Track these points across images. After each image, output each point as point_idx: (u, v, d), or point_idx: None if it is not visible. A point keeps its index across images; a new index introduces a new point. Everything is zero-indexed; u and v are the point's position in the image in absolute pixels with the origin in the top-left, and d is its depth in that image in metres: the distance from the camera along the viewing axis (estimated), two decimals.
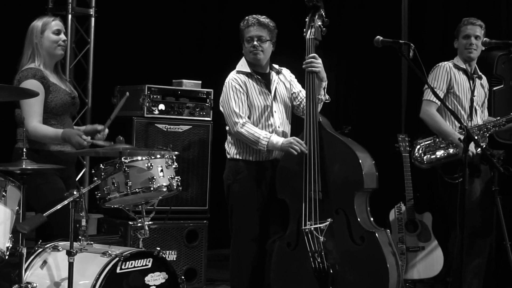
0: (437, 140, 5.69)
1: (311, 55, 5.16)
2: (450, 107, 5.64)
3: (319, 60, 5.16)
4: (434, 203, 6.54)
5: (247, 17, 5.30)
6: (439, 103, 5.65)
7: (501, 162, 5.33)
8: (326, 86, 5.22)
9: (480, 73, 5.90)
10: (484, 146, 5.35)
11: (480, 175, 5.63)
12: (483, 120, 5.84)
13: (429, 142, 5.73)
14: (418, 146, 5.75)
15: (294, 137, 5.16)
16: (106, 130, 4.91)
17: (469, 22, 5.79)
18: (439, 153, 5.67)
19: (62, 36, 4.97)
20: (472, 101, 5.70)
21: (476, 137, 5.45)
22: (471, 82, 5.77)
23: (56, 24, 4.97)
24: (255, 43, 5.21)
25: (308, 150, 5.05)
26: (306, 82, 5.16)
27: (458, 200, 4.93)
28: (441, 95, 5.63)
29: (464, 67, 5.78)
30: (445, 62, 5.79)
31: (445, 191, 5.65)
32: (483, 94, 5.90)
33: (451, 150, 5.62)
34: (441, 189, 5.72)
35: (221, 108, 5.33)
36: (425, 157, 5.72)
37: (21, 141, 4.76)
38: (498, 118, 5.75)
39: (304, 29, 5.23)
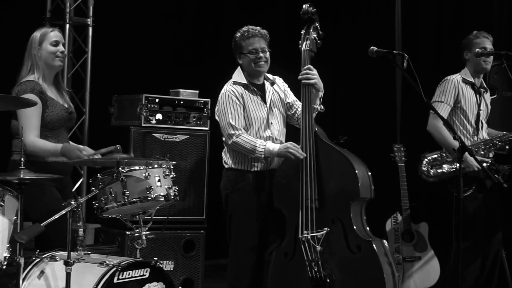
0: (444, 154, 5.75)
1: (306, 66, 5.19)
2: (456, 121, 5.72)
3: (315, 71, 5.18)
4: (430, 213, 6.56)
5: (245, 29, 5.28)
6: (445, 117, 5.67)
7: (506, 177, 5.37)
8: (322, 96, 5.24)
9: (486, 87, 5.94)
10: (490, 161, 5.38)
11: (484, 190, 5.67)
12: (489, 134, 5.88)
13: (436, 156, 5.78)
14: (425, 160, 5.78)
15: (290, 142, 5.17)
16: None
17: (483, 35, 5.81)
18: (446, 167, 5.72)
19: (60, 47, 4.95)
20: (478, 115, 5.74)
21: (482, 152, 5.51)
22: (477, 96, 5.80)
23: (54, 35, 4.96)
24: (261, 54, 5.22)
25: (305, 159, 5.06)
26: (302, 93, 5.18)
27: (454, 210, 4.98)
28: (448, 109, 5.69)
29: (473, 81, 5.81)
30: (453, 76, 5.82)
31: (451, 204, 5.66)
32: (489, 107, 5.95)
33: (457, 165, 5.63)
34: (448, 202, 5.71)
35: (217, 118, 5.34)
36: (431, 171, 5.75)
37: (17, 153, 4.81)
38: (506, 133, 5.80)
39: (300, 41, 5.25)
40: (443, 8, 7.73)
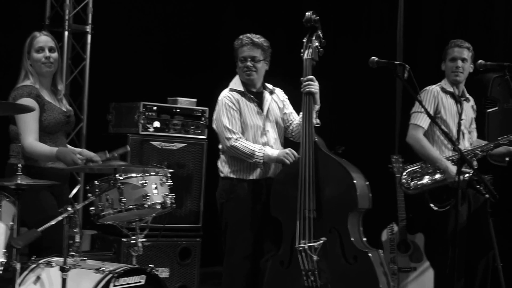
0: (424, 166, 5.71)
1: (308, 77, 5.19)
2: (437, 132, 5.67)
3: (316, 83, 5.20)
4: (426, 224, 6.55)
5: (241, 37, 5.34)
6: (426, 127, 5.68)
7: (488, 188, 5.34)
8: (318, 110, 5.24)
9: (468, 96, 5.91)
10: (472, 171, 5.36)
11: (466, 202, 5.65)
12: (472, 144, 5.85)
13: (416, 168, 5.74)
14: (405, 172, 5.77)
15: (290, 148, 5.20)
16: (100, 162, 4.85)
17: (456, 44, 5.79)
18: (426, 179, 5.68)
19: (46, 53, 4.90)
20: (459, 125, 5.68)
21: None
22: (458, 105, 5.75)
23: (39, 41, 4.92)
24: (248, 63, 5.26)
25: (304, 169, 5.07)
26: (303, 102, 5.19)
27: (449, 223, 4.97)
28: (428, 120, 5.64)
29: (452, 90, 5.78)
30: (433, 86, 5.79)
31: (433, 217, 5.68)
32: (471, 116, 5.92)
33: (438, 176, 5.63)
34: (429, 215, 5.73)
35: (213, 126, 5.36)
36: (412, 183, 5.73)
37: (14, 157, 4.82)
38: (487, 143, 5.77)
39: (302, 50, 5.26)
40: (445, 18, 7.77)
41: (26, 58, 4.91)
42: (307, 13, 5.23)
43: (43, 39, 4.93)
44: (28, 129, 4.74)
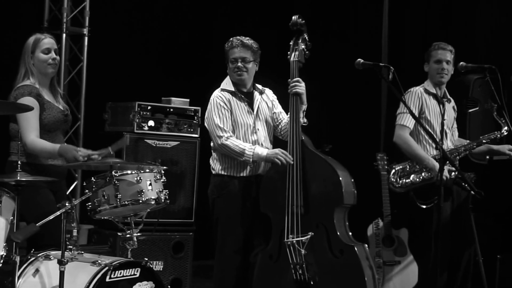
0: (411, 164, 5.78)
1: (295, 78, 5.29)
2: (422, 131, 5.73)
3: (303, 84, 5.28)
4: (410, 219, 6.65)
5: (231, 39, 5.40)
6: (412, 127, 5.75)
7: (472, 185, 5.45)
8: (305, 110, 5.32)
9: (449, 97, 5.98)
10: (456, 169, 5.46)
11: (450, 198, 5.74)
12: (454, 143, 5.93)
13: (403, 166, 5.81)
14: (393, 171, 5.82)
15: (279, 148, 5.27)
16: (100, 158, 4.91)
17: (440, 47, 5.86)
18: (413, 177, 5.75)
19: (52, 54, 5.02)
20: (442, 125, 5.74)
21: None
22: (441, 106, 5.81)
23: (45, 42, 5.02)
24: (239, 64, 5.32)
25: (291, 167, 5.16)
26: (290, 103, 5.28)
27: (434, 219, 5.07)
28: (413, 120, 5.68)
29: (434, 92, 5.85)
30: (416, 88, 5.86)
31: (417, 215, 5.76)
32: (453, 116, 5.99)
33: (425, 174, 5.71)
34: (413, 213, 5.82)
35: (205, 124, 5.43)
36: (400, 181, 5.80)
37: (15, 155, 4.86)
38: (469, 142, 5.86)
39: (288, 52, 5.35)
40: (428, 21, 7.85)
41: (29, 57, 4.98)
42: (293, 17, 5.31)
43: (50, 41, 5.05)
44: (30, 126, 4.83)
